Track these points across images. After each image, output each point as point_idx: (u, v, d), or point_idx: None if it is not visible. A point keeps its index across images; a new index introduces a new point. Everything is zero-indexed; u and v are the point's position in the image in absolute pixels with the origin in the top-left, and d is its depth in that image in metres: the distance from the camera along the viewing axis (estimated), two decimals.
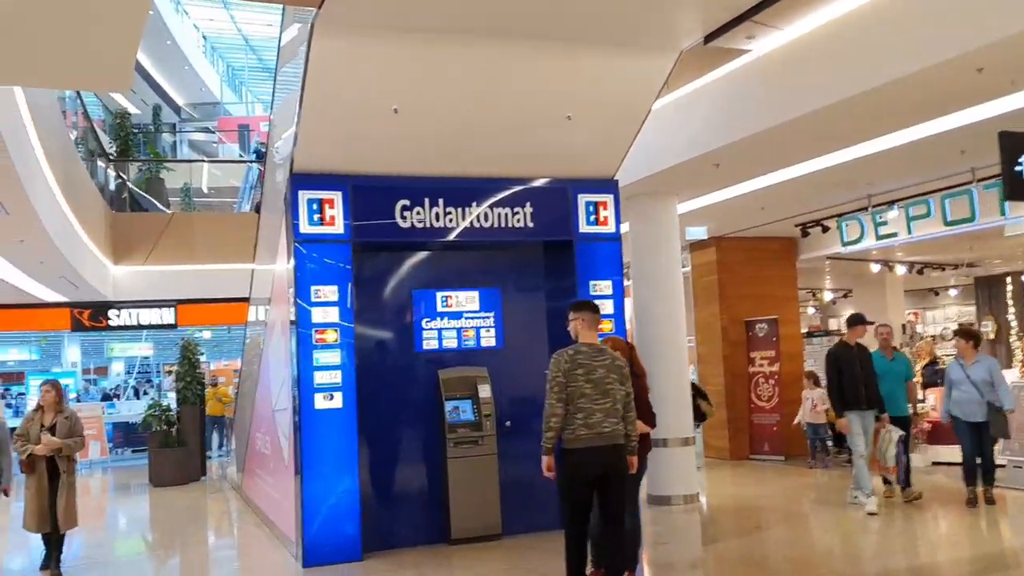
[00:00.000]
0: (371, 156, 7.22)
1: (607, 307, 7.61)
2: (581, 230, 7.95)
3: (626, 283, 8.70)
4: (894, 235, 10.35)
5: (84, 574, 7.53)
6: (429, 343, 7.86)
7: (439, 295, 7.92)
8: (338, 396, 7.09)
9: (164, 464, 13.44)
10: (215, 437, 17.10)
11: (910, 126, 7.61)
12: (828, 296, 20.44)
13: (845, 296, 20.03)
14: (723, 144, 7.93)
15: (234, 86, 30.63)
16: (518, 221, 7.73)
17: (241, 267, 12.57)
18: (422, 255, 8.02)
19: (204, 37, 27.04)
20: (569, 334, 5.49)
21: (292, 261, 7.18)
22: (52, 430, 7.07)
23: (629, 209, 9.13)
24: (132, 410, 18.16)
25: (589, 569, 5.50)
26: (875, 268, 15.00)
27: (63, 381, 9.06)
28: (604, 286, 7.94)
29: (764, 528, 8.12)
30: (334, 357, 7.12)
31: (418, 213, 7.45)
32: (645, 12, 6.22)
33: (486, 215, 7.65)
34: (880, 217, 10.32)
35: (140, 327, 16.64)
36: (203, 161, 22.24)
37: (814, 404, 11.23)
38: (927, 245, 12.61)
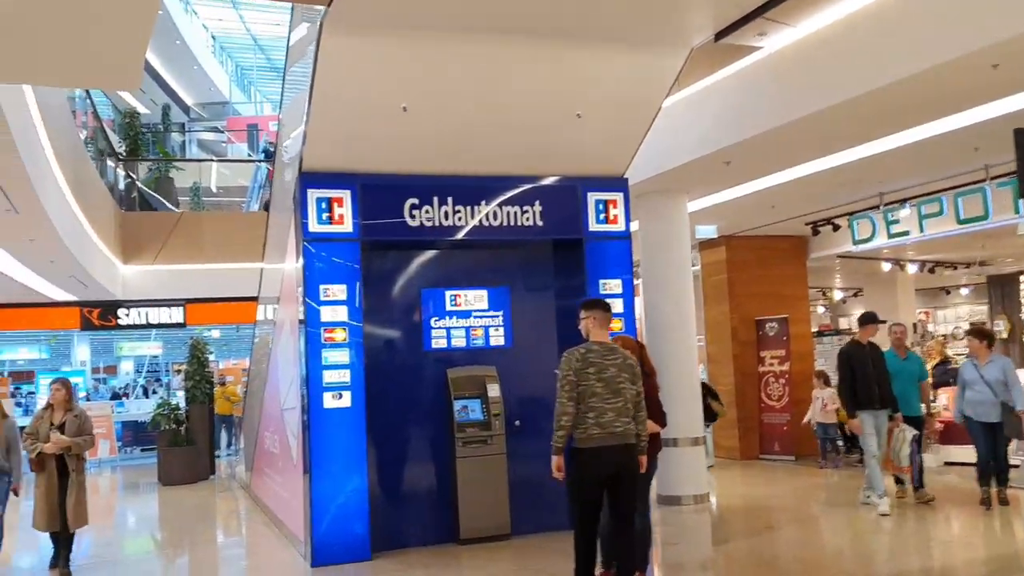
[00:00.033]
0: (380, 154, 7.20)
1: (617, 306, 7.55)
2: (591, 228, 7.91)
3: (635, 282, 8.66)
4: (906, 233, 10.28)
5: (93, 573, 7.53)
6: (438, 342, 7.83)
7: (448, 294, 7.90)
8: (347, 395, 7.07)
9: (173, 463, 13.46)
10: (224, 436, 17.14)
11: (923, 123, 7.55)
12: (838, 295, 20.34)
13: (855, 295, 19.95)
14: (734, 142, 7.88)
15: (243, 86, 30.70)
16: (527, 219, 7.70)
17: (250, 266, 12.58)
18: (431, 254, 7.99)
19: (213, 37, 27.09)
20: (578, 333, 5.46)
21: (301, 260, 7.16)
22: (61, 428, 7.07)
23: (639, 207, 9.09)
24: (141, 409, 18.21)
25: (599, 570, 5.47)
26: (886, 267, 14.92)
27: (72, 380, 9.07)
28: (614, 285, 7.90)
29: (775, 528, 8.06)
30: (343, 356, 7.10)
31: (427, 212, 7.43)
32: (656, 9, 6.17)
33: (495, 213, 7.62)
34: (892, 215, 10.25)
35: (149, 326, 16.69)
36: (212, 160, 22.28)
37: (824, 404, 11.17)
38: (939, 243, 12.53)
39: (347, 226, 7.21)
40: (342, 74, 6.40)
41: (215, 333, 19.80)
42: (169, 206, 17.13)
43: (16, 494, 7.11)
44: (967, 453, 9.17)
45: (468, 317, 7.92)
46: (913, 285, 17.24)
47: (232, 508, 11.59)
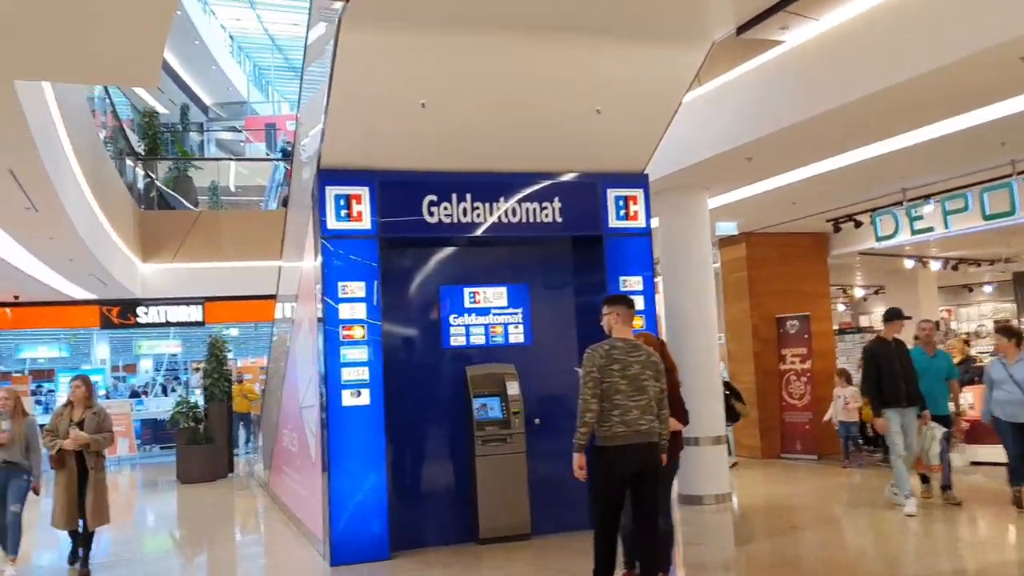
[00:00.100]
0: (398, 151, 7.16)
1: (638, 303, 7.48)
2: (611, 225, 7.84)
3: (655, 279, 8.58)
4: (930, 230, 10.14)
5: (112, 571, 7.54)
6: (456, 339, 7.78)
7: (466, 291, 7.84)
8: (365, 393, 7.03)
9: (192, 461, 13.51)
10: (242, 434, 17.20)
11: (948, 117, 7.43)
12: (859, 293, 20.14)
13: (876, 293, 19.75)
14: (755, 137, 7.78)
15: (261, 85, 30.83)
16: (546, 216, 7.64)
17: (268, 264, 12.60)
18: (449, 251, 7.94)
19: (231, 37, 27.23)
20: (598, 331, 5.39)
21: (319, 258, 7.13)
22: (81, 425, 7.07)
23: (659, 204, 9.00)
24: (160, 407, 18.32)
25: (622, 570, 5.40)
26: (909, 264, 14.73)
27: (92, 378, 9.09)
28: (634, 282, 7.83)
29: (798, 529, 7.95)
30: (361, 354, 7.07)
31: (445, 208, 7.38)
32: (677, 3, 6.10)
33: (514, 210, 7.57)
34: (915, 211, 10.10)
35: (168, 324, 16.75)
36: (230, 160, 22.37)
37: (846, 402, 11.03)
38: (963, 240, 12.38)
39: (365, 223, 7.17)
40: (360, 71, 6.36)
41: (233, 331, 19.88)
42: (188, 205, 17.21)
43: (36, 493, 7.13)
44: (994, 453, 9.02)
45: (487, 314, 7.87)
46: (935, 282, 17.03)
47: (250, 506, 11.60)
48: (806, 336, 12.20)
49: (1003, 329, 8.44)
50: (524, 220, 7.58)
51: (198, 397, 15.22)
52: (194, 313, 16.26)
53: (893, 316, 8.38)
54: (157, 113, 18.67)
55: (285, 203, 13.74)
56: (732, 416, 9.25)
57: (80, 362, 22.05)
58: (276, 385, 11.23)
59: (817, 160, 8.77)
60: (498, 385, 7.53)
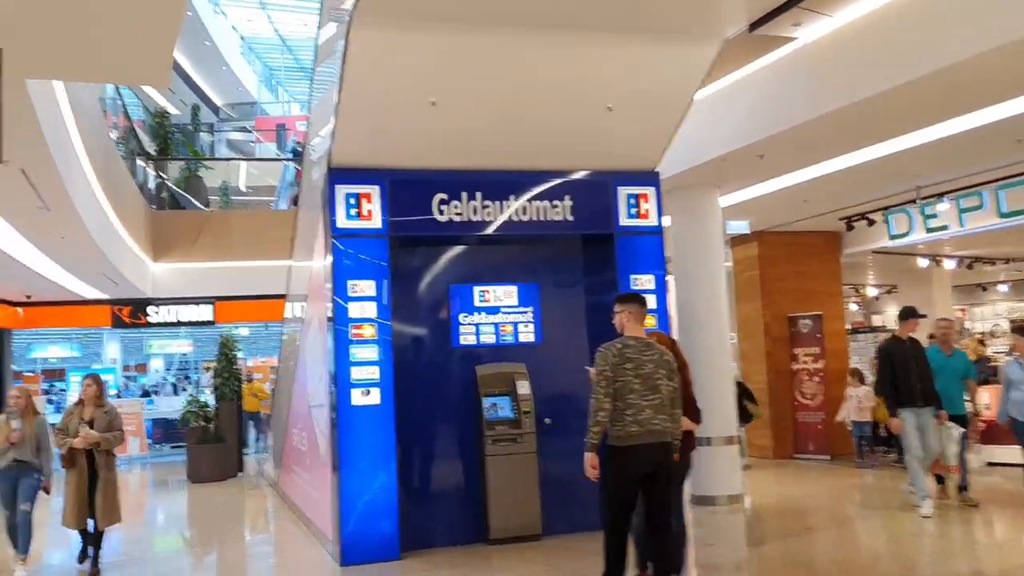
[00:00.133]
0: (408, 150, 7.13)
1: (649, 302, 7.42)
2: (622, 223, 7.79)
3: (667, 278, 8.51)
4: (944, 228, 10.05)
5: (122, 570, 7.53)
6: (466, 338, 7.74)
7: (476, 290, 7.80)
8: (375, 392, 7.00)
9: (202, 460, 13.53)
10: (252, 433, 17.22)
11: (963, 114, 7.34)
12: (872, 292, 20.00)
13: (889, 292, 19.59)
14: (768, 135, 7.72)
15: (271, 86, 30.87)
16: (557, 214, 7.59)
17: (278, 264, 12.61)
18: (459, 249, 7.91)
19: (242, 38, 27.26)
20: (610, 329, 5.34)
21: (329, 257, 7.11)
22: (91, 424, 7.07)
23: (670, 202, 8.92)
24: (171, 406, 18.35)
25: (634, 571, 5.35)
26: (923, 263, 14.60)
27: (103, 378, 9.09)
28: (646, 280, 7.77)
29: (812, 530, 7.88)
30: (371, 353, 7.04)
31: (456, 207, 7.35)
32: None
33: (524, 208, 7.53)
34: (929, 209, 10.01)
35: (179, 324, 16.80)
36: (241, 160, 22.42)
37: (859, 402, 10.95)
38: (978, 238, 12.25)
39: (375, 222, 7.15)
40: (370, 69, 6.33)
41: (244, 331, 19.90)
42: (199, 205, 17.25)
43: (47, 492, 7.13)
44: (1010, 453, 8.92)
45: (497, 313, 7.83)
46: (949, 282, 16.88)
47: (260, 506, 11.60)
48: (818, 335, 12.11)
49: (1020, 328, 8.34)
50: (534, 218, 7.54)
51: (208, 396, 15.23)
52: (205, 313, 16.30)
53: (908, 314, 8.29)
54: (168, 114, 18.73)
55: (295, 203, 13.76)
56: (745, 417, 9.16)
57: (91, 361, 22.11)
58: (286, 384, 11.23)
59: (830, 158, 8.69)
60: (508, 384, 7.49)
